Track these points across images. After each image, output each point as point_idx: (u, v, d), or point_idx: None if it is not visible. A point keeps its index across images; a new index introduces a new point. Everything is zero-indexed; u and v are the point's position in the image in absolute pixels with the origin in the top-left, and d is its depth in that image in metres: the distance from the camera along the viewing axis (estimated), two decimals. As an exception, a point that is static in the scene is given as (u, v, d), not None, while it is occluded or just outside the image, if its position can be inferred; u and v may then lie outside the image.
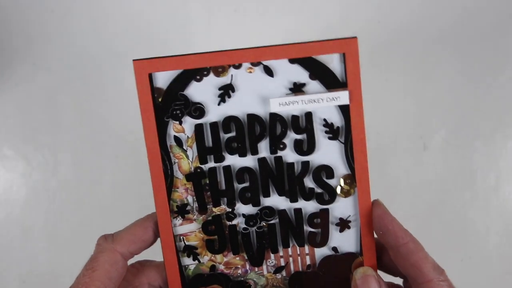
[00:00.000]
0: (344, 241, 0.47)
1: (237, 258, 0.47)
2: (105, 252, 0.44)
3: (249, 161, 0.45)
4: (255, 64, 0.43)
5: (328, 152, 0.45)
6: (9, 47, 0.87)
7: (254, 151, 0.45)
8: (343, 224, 0.46)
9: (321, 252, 0.47)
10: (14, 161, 0.85)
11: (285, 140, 0.45)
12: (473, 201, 0.87)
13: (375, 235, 0.46)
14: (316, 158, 0.45)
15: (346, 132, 0.44)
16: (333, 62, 0.43)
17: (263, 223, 0.47)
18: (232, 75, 0.43)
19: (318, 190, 0.46)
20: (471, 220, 0.87)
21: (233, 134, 0.44)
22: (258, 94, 0.43)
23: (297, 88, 0.43)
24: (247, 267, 0.48)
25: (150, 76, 0.43)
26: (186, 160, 0.45)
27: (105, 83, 0.86)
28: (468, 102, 0.85)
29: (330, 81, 0.43)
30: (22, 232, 0.83)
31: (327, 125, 0.44)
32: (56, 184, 0.84)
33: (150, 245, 0.46)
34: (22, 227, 0.84)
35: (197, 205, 0.46)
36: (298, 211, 0.46)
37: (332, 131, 0.44)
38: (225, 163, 0.45)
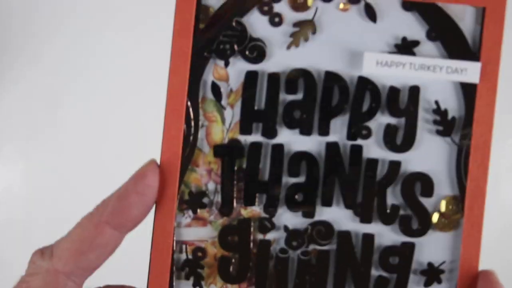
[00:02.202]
0: None
1: (259, 299, 0.30)
2: (40, 274, 0.28)
3: (312, 143, 0.30)
4: (353, 0, 0.30)
5: (431, 154, 0.30)
6: (9, 47, 0.85)
7: (324, 130, 0.30)
8: (432, 274, 0.30)
9: None
10: (14, 161, 0.85)
11: (372, 123, 0.30)
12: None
13: None
14: (411, 160, 0.30)
15: (464, 127, 0.30)
16: (465, 19, 0.29)
17: (312, 247, 0.30)
18: (316, 9, 0.29)
19: (405, 212, 0.30)
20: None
21: (298, 96, 0.30)
22: (348, 44, 0.29)
23: (406, 47, 0.29)
24: (271, 317, 0.31)
25: None
26: (220, 126, 0.30)
27: (106, 83, 0.83)
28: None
29: (456, 46, 0.29)
30: (22, 232, 0.81)
31: (438, 111, 0.30)
32: (56, 184, 0.82)
33: (112, 250, 0.29)
34: (22, 227, 0.82)
35: (219, 199, 0.30)
36: (368, 238, 0.30)
37: (443, 122, 0.30)
38: (277, 139, 0.30)
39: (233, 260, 0.30)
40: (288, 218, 0.30)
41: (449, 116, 0.30)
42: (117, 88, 0.83)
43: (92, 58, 0.84)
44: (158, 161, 0.29)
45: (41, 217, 0.83)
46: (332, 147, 0.30)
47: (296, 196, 0.30)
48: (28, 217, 0.84)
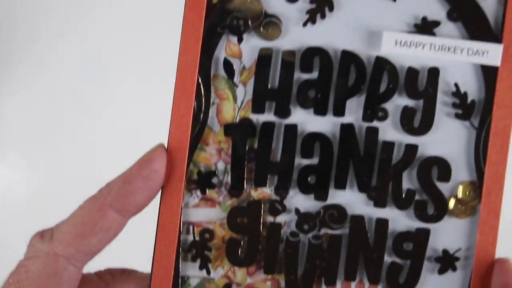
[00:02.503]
0: None
1: (268, 283, 0.30)
2: (40, 257, 0.27)
3: (327, 124, 0.29)
4: (372, -24, 0.29)
5: (449, 138, 0.29)
6: (12, 49, 0.85)
7: (339, 111, 0.29)
8: (447, 262, 0.29)
9: None
10: (15, 161, 0.85)
11: (389, 105, 0.29)
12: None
13: None
14: (429, 144, 0.29)
15: (484, 111, 0.29)
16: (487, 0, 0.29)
17: (324, 231, 0.29)
18: (334, -15, 0.29)
19: (420, 197, 0.29)
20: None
21: (313, 75, 0.29)
22: (366, 23, 0.29)
23: (426, 27, 0.29)
24: (280, 301, 0.30)
25: None
26: (231, 103, 0.29)
27: (106, 83, 0.82)
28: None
29: (478, 27, 0.28)
30: (23, 233, 0.75)
31: (458, 93, 0.29)
32: (57, 184, 0.82)
33: (115, 234, 0.28)
34: (23, 227, 0.78)
35: (229, 179, 0.29)
36: (382, 223, 0.29)
37: (462, 105, 0.29)
38: (290, 119, 0.29)
39: (241, 243, 0.29)
40: (299, 200, 0.29)
41: (469, 99, 0.29)
42: (119, 88, 0.82)
43: (93, 57, 0.83)
44: (166, 145, 0.28)
45: (42, 217, 0.83)
46: (347, 129, 0.29)
47: (309, 178, 0.29)
48: (30, 218, 0.83)
